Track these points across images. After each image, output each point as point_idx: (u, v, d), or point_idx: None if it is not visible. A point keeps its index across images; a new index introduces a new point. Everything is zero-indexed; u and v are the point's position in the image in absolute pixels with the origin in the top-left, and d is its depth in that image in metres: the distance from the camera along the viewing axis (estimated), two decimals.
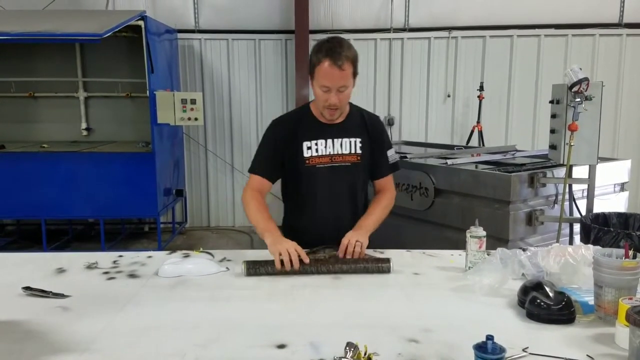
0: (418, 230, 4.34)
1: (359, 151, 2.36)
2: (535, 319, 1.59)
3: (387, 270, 2.04)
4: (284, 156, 2.35)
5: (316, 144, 2.32)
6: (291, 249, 2.05)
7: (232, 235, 6.87)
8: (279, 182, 2.46)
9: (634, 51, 6.85)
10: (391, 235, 4.37)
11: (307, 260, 2.06)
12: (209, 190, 7.27)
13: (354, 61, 2.18)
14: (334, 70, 2.13)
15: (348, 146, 2.34)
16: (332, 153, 2.33)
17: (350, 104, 2.41)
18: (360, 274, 2.04)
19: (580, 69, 3.65)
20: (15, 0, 6.52)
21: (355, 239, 2.15)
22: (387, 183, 2.49)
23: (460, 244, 2.10)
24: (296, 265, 2.02)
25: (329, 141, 2.33)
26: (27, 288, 1.85)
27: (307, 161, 2.31)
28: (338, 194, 2.36)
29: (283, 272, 2.01)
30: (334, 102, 2.20)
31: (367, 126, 2.40)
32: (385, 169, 2.47)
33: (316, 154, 2.32)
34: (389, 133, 6.95)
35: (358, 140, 2.36)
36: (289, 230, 2.41)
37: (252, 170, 2.41)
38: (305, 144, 2.31)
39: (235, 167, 7.16)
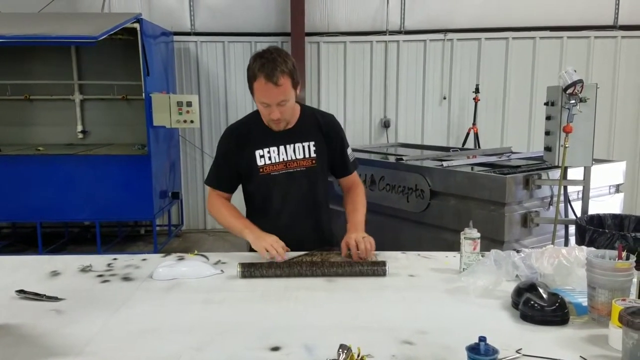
0: (414, 232, 4.34)
1: (313, 155, 2.34)
2: (529, 320, 1.59)
3: (383, 274, 2.02)
4: (239, 166, 2.34)
5: (269, 152, 2.30)
6: (275, 243, 2.13)
7: (229, 238, 6.85)
8: None
9: (628, 53, 6.88)
10: (387, 237, 4.38)
11: (288, 249, 2.17)
12: (205, 193, 7.24)
13: (291, 73, 2.13)
14: (270, 87, 2.09)
15: (301, 151, 2.33)
16: (285, 159, 2.31)
17: (303, 105, 2.40)
18: (355, 277, 2.04)
19: (575, 70, 3.66)
20: (10, 3, 6.52)
21: (362, 236, 2.16)
22: (354, 179, 2.50)
23: (456, 246, 2.10)
24: (282, 256, 2.10)
25: (282, 148, 2.31)
26: (20, 291, 1.84)
27: (261, 170, 2.31)
28: (296, 200, 2.35)
29: (278, 275, 2.01)
30: (276, 117, 2.18)
31: (321, 127, 2.37)
32: (349, 166, 2.47)
33: (269, 162, 2.30)
34: (385, 135, 6.99)
35: (311, 143, 2.34)
36: None
37: (208, 183, 2.43)
38: (258, 153, 2.30)
39: None
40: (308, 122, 2.36)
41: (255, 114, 2.36)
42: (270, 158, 2.30)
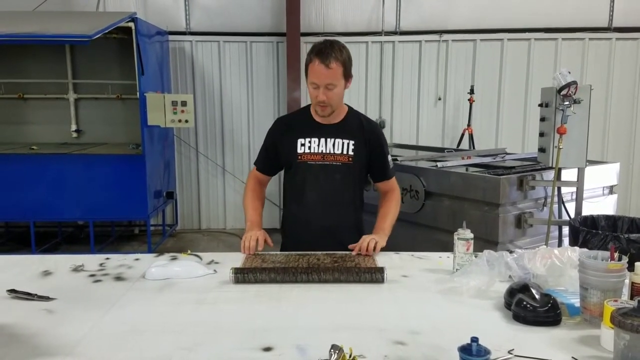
0: (408, 233, 4.33)
1: (350, 153, 2.42)
2: (522, 321, 1.59)
3: (381, 280, 1.97)
4: (280, 151, 2.48)
5: (310, 142, 2.42)
6: (254, 235, 2.28)
7: (223, 238, 6.85)
8: None
9: (623, 55, 6.91)
10: None
11: (270, 244, 2.32)
12: (199, 193, 7.25)
13: (344, 63, 2.28)
14: (322, 68, 2.24)
15: (340, 147, 2.41)
16: (324, 152, 2.41)
17: (350, 108, 2.51)
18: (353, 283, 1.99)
19: (569, 72, 3.68)
20: (5, 1, 6.49)
21: (371, 238, 2.26)
22: (392, 184, 2.57)
23: (450, 246, 2.10)
24: (253, 250, 2.25)
25: (322, 140, 2.41)
26: (12, 291, 1.83)
27: (299, 157, 2.42)
28: (327, 192, 2.43)
29: (272, 280, 1.97)
30: (322, 98, 2.29)
31: (363, 130, 2.46)
32: (388, 171, 2.54)
33: (309, 151, 2.42)
34: None
35: (351, 142, 2.42)
36: (285, 221, 2.61)
37: (255, 162, 2.62)
38: (300, 141, 2.42)
39: (227, 169, 7.14)
40: (352, 123, 2.47)
41: (305, 109, 2.52)
42: (310, 147, 2.41)
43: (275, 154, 2.50)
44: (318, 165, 2.41)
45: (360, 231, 2.52)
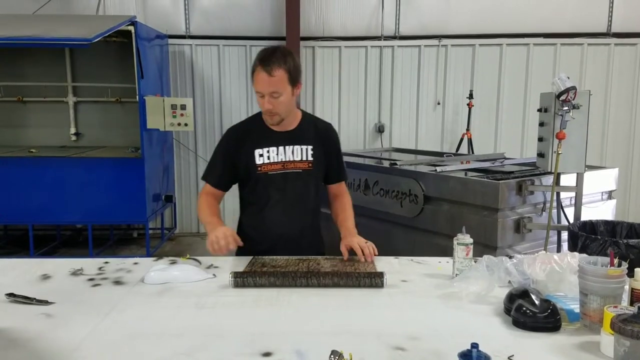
0: (407, 237, 4.34)
1: (310, 158, 2.39)
2: (521, 326, 1.59)
3: (381, 285, 1.97)
4: (236, 164, 2.38)
5: (268, 151, 2.35)
6: (221, 234, 2.15)
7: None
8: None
9: (621, 60, 6.92)
10: (380, 241, 4.37)
11: (240, 243, 2.21)
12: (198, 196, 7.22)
13: (289, 70, 2.19)
14: (264, 76, 2.17)
15: (299, 153, 2.38)
16: (283, 160, 2.36)
17: (304, 112, 2.47)
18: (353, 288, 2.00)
19: (568, 77, 3.68)
20: (4, 4, 6.50)
21: (364, 242, 2.24)
22: (343, 187, 2.57)
23: (449, 251, 2.10)
24: (225, 249, 2.15)
25: (281, 148, 2.36)
26: (10, 294, 1.83)
27: (259, 168, 2.35)
28: (290, 200, 2.39)
29: (271, 284, 1.97)
30: (268, 107, 2.23)
31: (320, 134, 2.43)
32: (342, 174, 2.54)
33: (268, 161, 2.35)
34: (379, 140, 7.00)
35: (309, 147, 2.39)
36: (243, 234, 2.43)
37: (204, 178, 2.47)
38: (257, 152, 2.34)
39: None
40: (307, 128, 2.42)
41: (257, 116, 2.41)
42: (269, 157, 2.34)
43: (231, 166, 2.38)
44: (279, 175, 2.35)
45: (318, 235, 2.51)
